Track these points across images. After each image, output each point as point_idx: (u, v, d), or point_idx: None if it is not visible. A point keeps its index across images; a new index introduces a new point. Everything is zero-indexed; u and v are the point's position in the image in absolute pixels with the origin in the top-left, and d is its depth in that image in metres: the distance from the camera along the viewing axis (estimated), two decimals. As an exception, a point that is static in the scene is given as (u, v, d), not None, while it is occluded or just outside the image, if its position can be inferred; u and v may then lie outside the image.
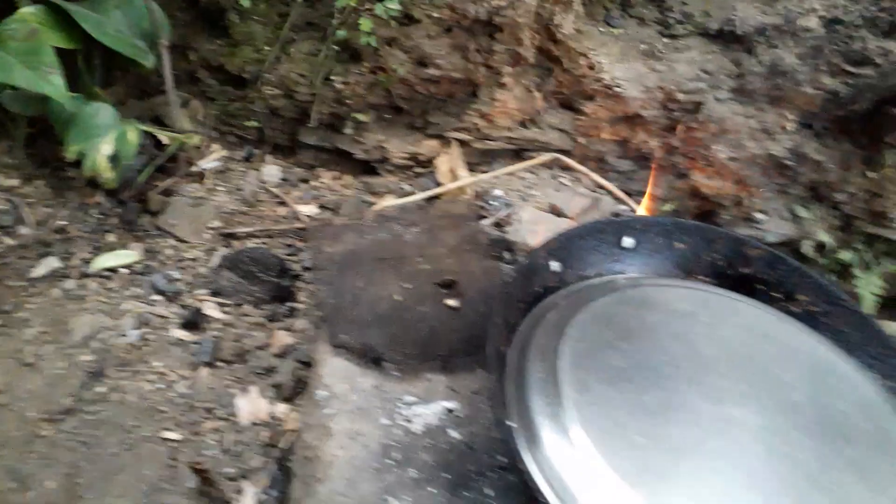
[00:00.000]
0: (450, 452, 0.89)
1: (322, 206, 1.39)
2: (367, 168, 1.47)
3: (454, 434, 0.91)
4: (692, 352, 0.93)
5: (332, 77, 1.36)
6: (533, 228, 1.26)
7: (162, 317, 1.23)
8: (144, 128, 1.35)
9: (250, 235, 1.36)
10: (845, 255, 1.40)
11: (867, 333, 1.02)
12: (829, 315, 1.05)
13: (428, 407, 0.93)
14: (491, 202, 1.32)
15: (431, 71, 1.30)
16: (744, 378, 0.90)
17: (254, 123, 1.49)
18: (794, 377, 0.91)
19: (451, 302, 1.08)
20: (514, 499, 0.85)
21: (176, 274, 1.29)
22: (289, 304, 1.26)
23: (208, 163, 1.52)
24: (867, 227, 1.39)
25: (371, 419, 0.91)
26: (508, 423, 0.81)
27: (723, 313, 1.02)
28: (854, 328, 1.03)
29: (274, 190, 1.45)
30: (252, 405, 1.13)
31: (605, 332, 0.93)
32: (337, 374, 0.96)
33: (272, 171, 1.50)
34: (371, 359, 0.98)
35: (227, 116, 1.55)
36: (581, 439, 0.77)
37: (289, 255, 1.33)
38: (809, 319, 1.06)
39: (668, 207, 1.38)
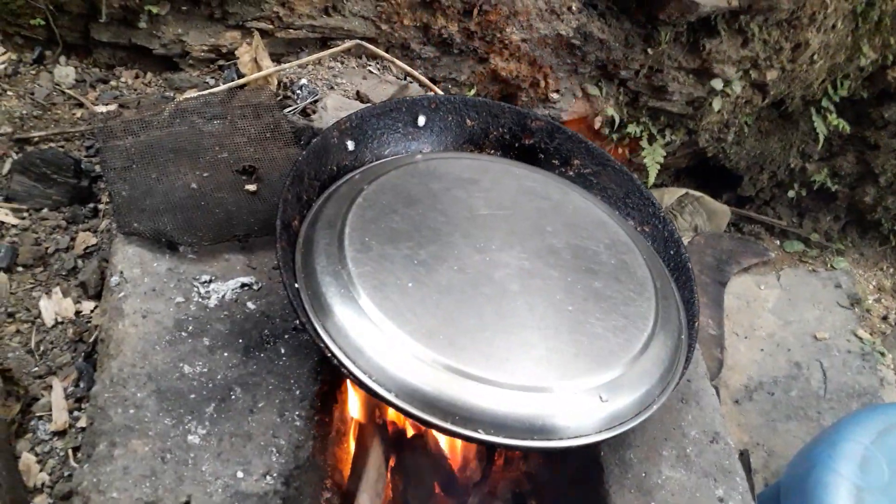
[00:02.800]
0: (245, 321, 0.95)
1: (122, 106, 1.36)
2: (169, 64, 1.43)
3: (251, 305, 0.97)
4: (469, 212, 1.03)
5: (116, -34, 1.30)
6: (338, 115, 1.29)
7: (-51, 227, 1.18)
8: None
9: (46, 139, 1.31)
10: (633, 129, 1.55)
11: (629, 188, 1.16)
12: (599, 175, 1.18)
13: (225, 284, 0.98)
14: (296, 91, 1.34)
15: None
16: (511, 230, 1.01)
17: (40, 21, 1.40)
18: (556, 227, 1.04)
19: (251, 187, 1.12)
20: (305, 352, 0.92)
21: (-38, 183, 1.23)
22: (91, 204, 1.24)
23: (-6, 66, 1.43)
24: (651, 102, 1.53)
25: (164, 298, 0.94)
26: (295, 285, 0.87)
27: (502, 179, 1.12)
28: (619, 185, 1.17)
29: (69, 92, 1.39)
30: (56, 305, 1.12)
31: (391, 201, 1.01)
32: (129, 260, 0.98)
33: (67, 72, 1.43)
34: (165, 244, 1.00)
35: (10, 16, 1.44)
36: (359, 290, 0.85)
37: (88, 156, 1.29)
38: (582, 180, 1.18)
39: (471, 93, 1.46)
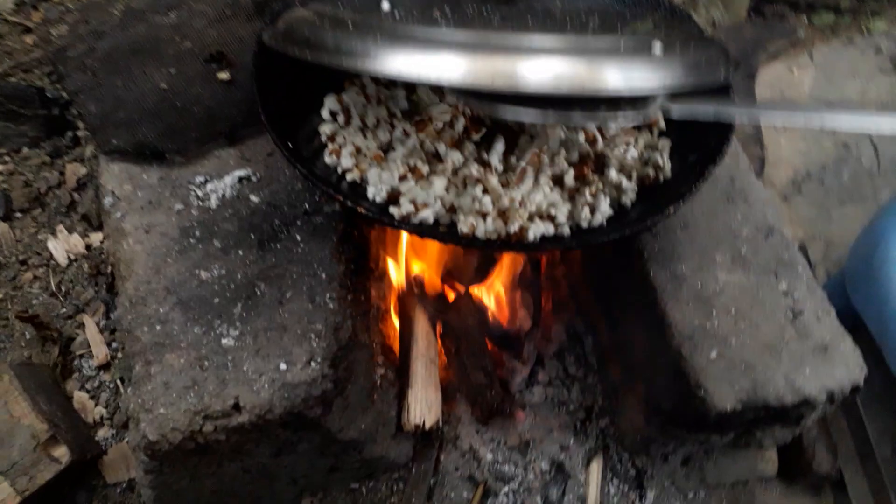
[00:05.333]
0: (253, 216, 0.90)
1: (73, 21, 1.25)
2: (108, -35, 1.31)
3: (254, 198, 0.92)
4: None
5: None
6: (300, -22, 1.17)
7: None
8: None
9: (4, 75, 1.23)
10: (629, -77, 1.38)
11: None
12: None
13: (222, 181, 0.93)
14: (249, -38, 1.21)
15: None
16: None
17: (-42, -52, 1.28)
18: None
19: (224, 75, 1.03)
20: (322, 235, 0.88)
21: (-67, 140, 1.18)
22: (70, 133, 1.18)
23: (-72, 11, 1.33)
24: None
25: (164, 209, 0.89)
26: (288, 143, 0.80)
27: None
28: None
29: (12, 18, 1.29)
30: (65, 243, 1.10)
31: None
32: (117, 178, 0.92)
33: (4, -2, 1.32)
34: (150, 154, 0.94)
35: (-72, -50, 1.32)
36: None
37: (52, 82, 1.21)
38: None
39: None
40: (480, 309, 1.13)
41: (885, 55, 1.74)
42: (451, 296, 1.15)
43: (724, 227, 0.96)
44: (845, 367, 0.87)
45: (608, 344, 1.14)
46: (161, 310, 0.81)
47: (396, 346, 1.10)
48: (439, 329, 1.12)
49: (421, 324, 1.08)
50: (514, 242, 0.78)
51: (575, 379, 1.17)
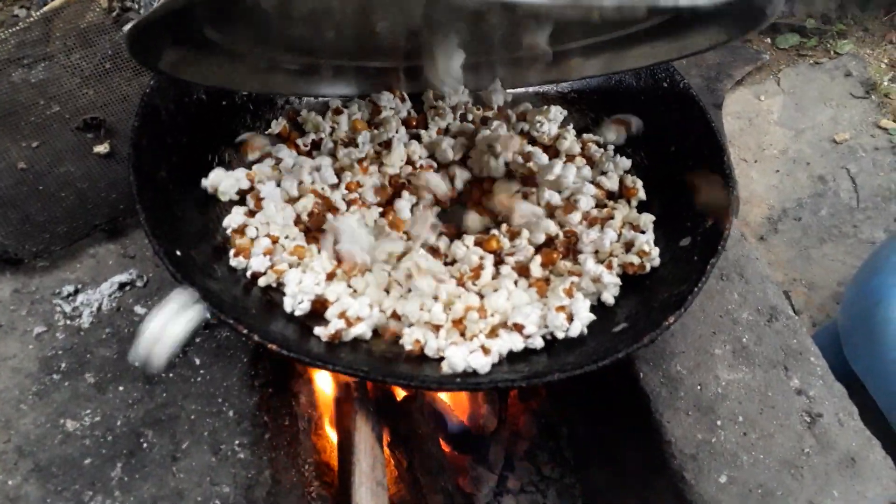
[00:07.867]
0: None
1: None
2: (-39, 4, 1.11)
3: (140, 310, 0.74)
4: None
5: None
6: (199, 18, 1.00)
7: None
8: None
9: None
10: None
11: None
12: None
13: (98, 290, 0.75)
14: None
15: None
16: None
17: None
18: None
19: (102, 148, 0.85)
20: (228, 354, 0.71)
21: None
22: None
23: None
24: None
25: (18, 333, 0.71)
26: (177, 252, 0.64)
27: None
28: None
29: None
30: None
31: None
32: (-45, 294, 0.73)
33: None
34: (0, 259, 0.75)
35: None
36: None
37: None
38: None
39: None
40: (437, 408, 0.97)
41: (854, 78, 1.67)
42: (399, 394, 0.98)
43: (721, 312, 0.83)
44: (877, 482, 0.74)
45: (587, 439, 1.00)
46: (10, 482, 0.62)
47: (334, 460, 0.93)
48: (386, 438, 0.95)
49: (363, 435, 0.90)
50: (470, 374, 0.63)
51: (550, 481, 1.02)
